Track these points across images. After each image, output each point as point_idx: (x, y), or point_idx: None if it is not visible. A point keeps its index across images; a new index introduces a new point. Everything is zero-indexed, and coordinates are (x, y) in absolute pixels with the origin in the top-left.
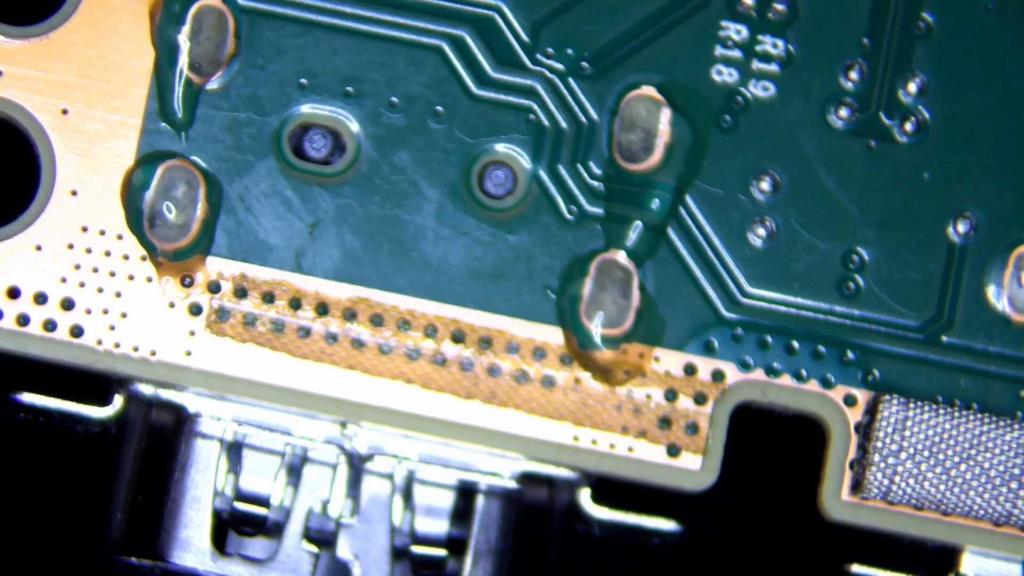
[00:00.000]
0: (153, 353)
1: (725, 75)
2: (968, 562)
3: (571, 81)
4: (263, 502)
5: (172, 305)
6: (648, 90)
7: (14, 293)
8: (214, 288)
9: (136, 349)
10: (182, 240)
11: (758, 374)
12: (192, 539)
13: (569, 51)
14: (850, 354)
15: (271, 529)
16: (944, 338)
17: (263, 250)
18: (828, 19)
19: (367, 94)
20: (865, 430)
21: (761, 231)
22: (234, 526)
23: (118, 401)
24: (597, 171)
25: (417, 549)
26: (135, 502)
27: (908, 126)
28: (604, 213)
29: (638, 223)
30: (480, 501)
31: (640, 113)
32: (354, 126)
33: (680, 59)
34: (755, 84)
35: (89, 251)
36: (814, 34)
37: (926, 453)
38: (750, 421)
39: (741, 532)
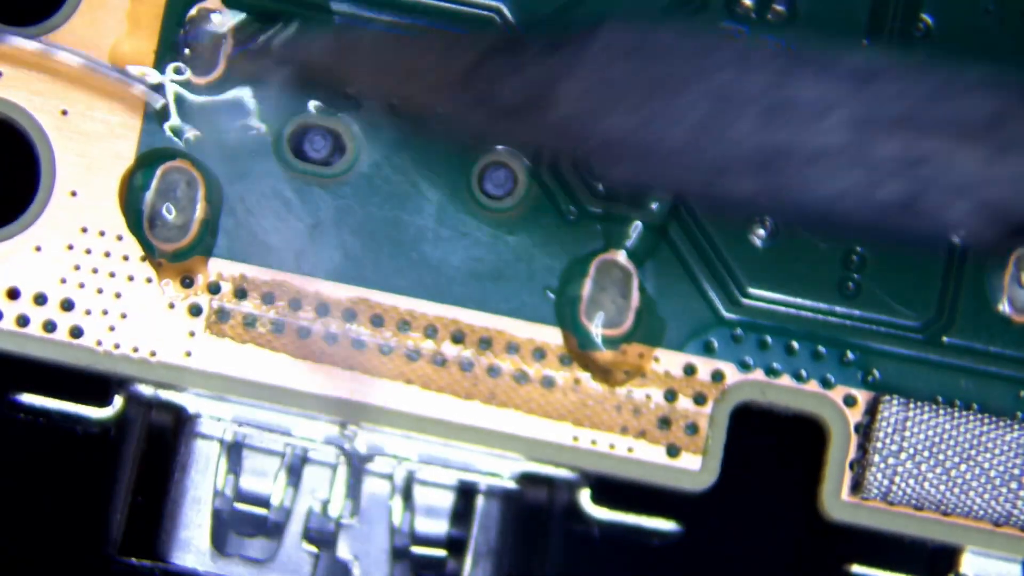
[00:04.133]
0: (153, 354)
1: None
2: (968, 562)
3: None
4: (263, 502)
5: (172, 306)
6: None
7: (14, 294)
8: (214, 289)
9: (136, 350)
10: (182, 241)
11: (758, 374)
12: (192, 539)
13: None
14: (850, 354)
15: (271, 529)
16: (944, 338)
17: (263, 251)
18: (827, 20)
19: (367, 95)
20: (865, 430)
21: (761, 231)
22: (234, 527)
23: (118, 402)
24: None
25: (417, 549)
26: (135, 503)
27: None
28: (604, 213)
29: (638, 223)
30: (480, 501)
31: None
32: (354, 127)
33: None
34: None
35: (89, 252)
36: (813, 35)
37: (926, 453)
38: (750, 421)
39: (741, 532)
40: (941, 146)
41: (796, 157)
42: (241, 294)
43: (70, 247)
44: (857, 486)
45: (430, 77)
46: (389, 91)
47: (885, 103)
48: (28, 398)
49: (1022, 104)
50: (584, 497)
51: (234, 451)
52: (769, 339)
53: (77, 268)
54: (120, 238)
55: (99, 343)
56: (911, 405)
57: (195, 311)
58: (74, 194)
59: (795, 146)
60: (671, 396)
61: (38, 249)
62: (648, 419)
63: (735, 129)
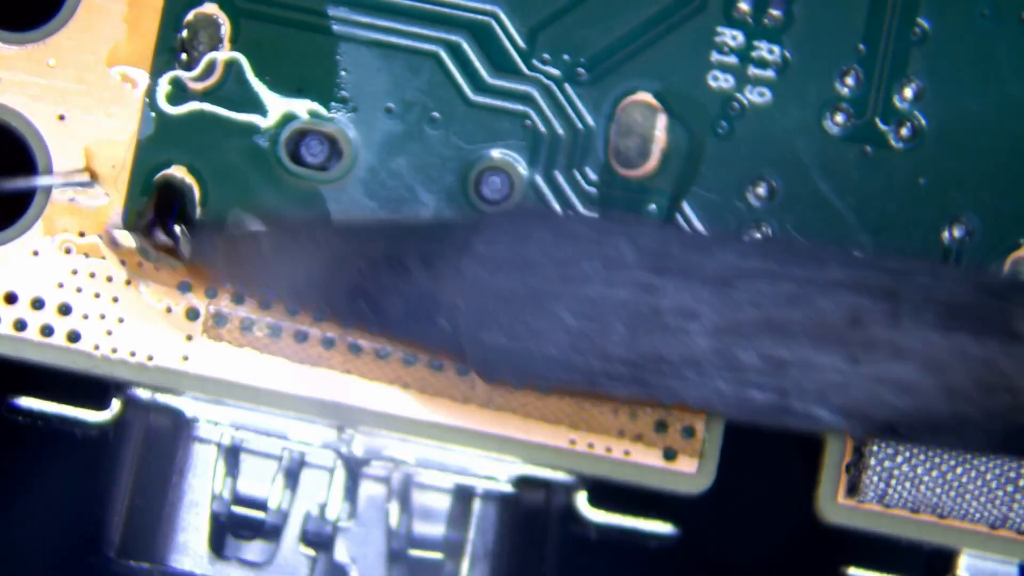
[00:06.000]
0: (150, 358)
1: (721, 81)
2: (964, 565)
3: (567, 87)
4: (260, 506)
5: (169, 310)
6: (644, 96)
7: (11, 298)
8: (211, 293)
9: (133, 354)
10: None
11: None
12: (189, 543)
13: (565, 57)
14: None
15: (268, 533)
16: None
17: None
18: (824, 25)
19: (364, 100)
20: None
21: (757, 237)
22: (231, 530)
23: (115, 406)
24: (593, 177)
25: (414, 552)
26: (133, 506)
27: (904, 132)
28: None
29: None
30: (477, 505)
31: (636, 119)
32: (351, 132)
33: (676, 65)
34: (751, 90)
35: (86, 256)
36: (810, 40)
37: (922, 456)
38: (746, 424)
39: (737, 535)
40: (802, 349)
41: (666, 364)
42: (238, 298)
43: (67, 251)
44: (853, 489)
45: (319, 284)
46: (279, 291)
47: (746, 308)
48: (26, 402)
49: (877, 304)
50: (581, 500)
51: (231, 455)
52: None
53: (74, 272)
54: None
55: (96, 347)
56: None
57: (192, 315)
58: (71, 199)
59: (664, 354)
60: None
61: (35, 253)
62: (645, 422)
63: (606, 339)
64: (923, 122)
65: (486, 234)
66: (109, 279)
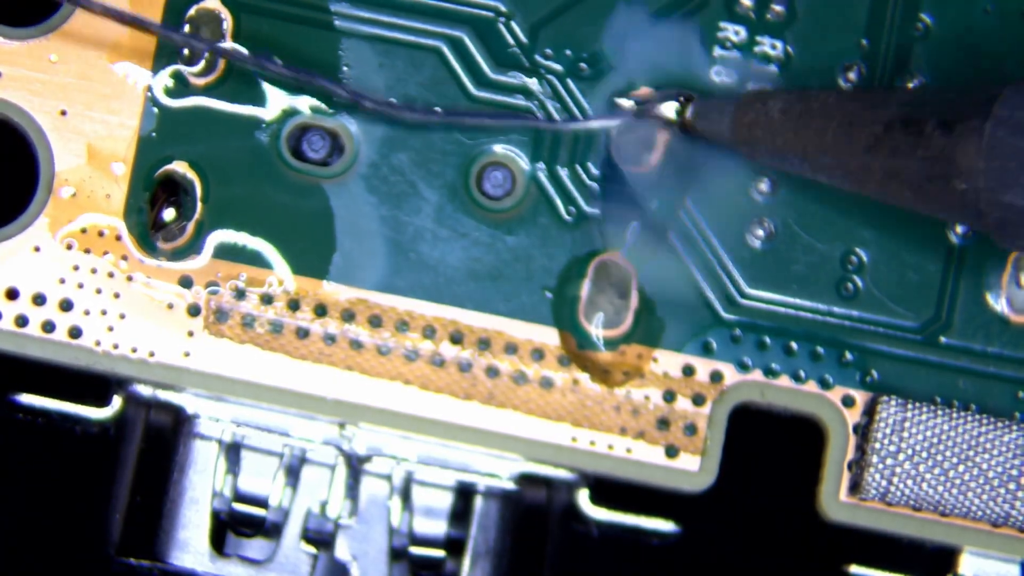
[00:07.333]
0: (152, 354)
1: (724, 76)
2: (966, 563)
3: (569, 82)
4: (261, 503)
5: (171, 306)
6: (646, 91)
7: (13, 294)
8: (213, 289)
9: (135, 350)
10: (180, 240)
11: (756, 375)
12: (191, 540)
13: (567, 52)
14: (848, 355)
15: (269, 530)
16: (942, 339)
17: (261, 251)
18: (826, 20)
19: (366, 95)
20: (863, 431)
21: (760, 232)
22: (232, 527)
23: (117, 402)
24: (595, 172)
25: (415, 550)
26: (134, 503)
27: None
28: (602, 214)
29: (636, 224)
30: (478, 502)
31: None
32: (353, 127)
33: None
34: (754, 85)
35: (88, 251)
36: (812, 35)
37: (924, 454)
38: (748, 422)
39: (739, 533)
40: None
41: None
42: (240, 294)
43: (69, 247)
44: (855, 487)
45: (834, 145)
46: (792, 156)
47: None
48: (27, 398)
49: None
50: (583, 497)
51: (232, 451)
52: (768, 340)
53: (76, 268)
54: (119, 238)
55: (98, 343)
56: (909, 406)
57: (194, 311)
58: (74, 195)
59: None
60: (670, 397)
61: (37, 249)
62: (647, 420)
63: None
64: None
65: (1008, 101)
66: (111, 275)
